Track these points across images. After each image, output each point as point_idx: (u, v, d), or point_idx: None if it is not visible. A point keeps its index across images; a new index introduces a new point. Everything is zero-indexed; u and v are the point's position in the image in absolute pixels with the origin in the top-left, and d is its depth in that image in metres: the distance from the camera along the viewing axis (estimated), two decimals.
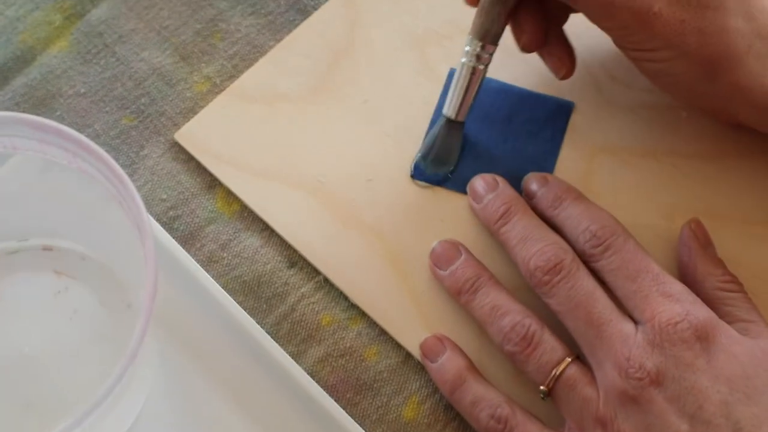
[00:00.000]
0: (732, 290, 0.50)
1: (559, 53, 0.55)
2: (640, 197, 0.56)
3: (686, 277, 0.52)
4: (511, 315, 0.49)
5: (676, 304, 0.46)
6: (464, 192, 0.56)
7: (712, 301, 0.50)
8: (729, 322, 0.48)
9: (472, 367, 0.51)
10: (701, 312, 0.46)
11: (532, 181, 0.54)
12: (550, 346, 0.48)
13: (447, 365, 0.50)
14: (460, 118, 0.55)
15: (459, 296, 0.52)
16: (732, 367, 0.45)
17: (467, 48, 0.53)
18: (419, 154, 0.57)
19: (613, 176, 0.56)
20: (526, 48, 0.54)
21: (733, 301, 0.50)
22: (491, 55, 0.54)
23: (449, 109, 0.55)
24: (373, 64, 0.60)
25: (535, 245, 0.50)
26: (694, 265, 0.52)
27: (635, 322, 0.47)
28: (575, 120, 0.58)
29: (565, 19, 0.55)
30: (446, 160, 0.56)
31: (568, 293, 0.48)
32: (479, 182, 0.55)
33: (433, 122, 0.58)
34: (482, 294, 0.51)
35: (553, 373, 0.47)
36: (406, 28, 0.61)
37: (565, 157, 0.57)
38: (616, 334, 0.46)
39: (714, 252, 0.53)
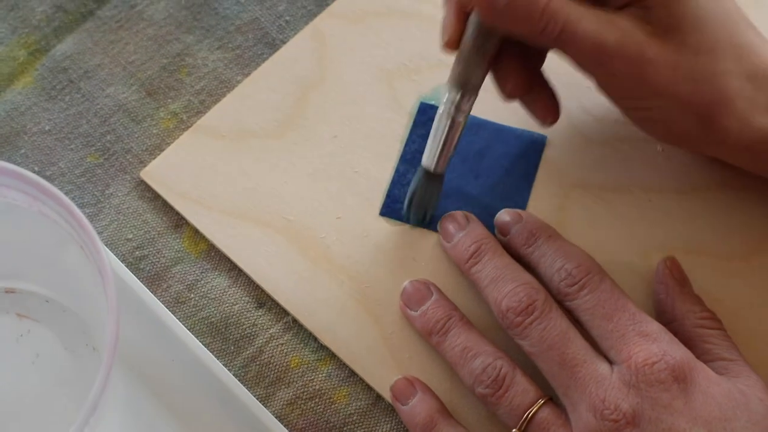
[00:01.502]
0: (711, 327, 0.50)
1: (543, 99, 0.54)
2: (615, 233, 0.55)
3: (664, 314, 0.51)
4: (483, 357, 0.49)
5: (653, 344, 0.46)
6: (436, 230, 0.55)
7: (691, 338, 0.49)
8: (709, 360, 0.48)
9: (444, 409, 0.50)
10: (678, 352, 0.46)
11: (506, 218, 0.53)
12: (522, 388, 0.47)
13: (418, 408, 0.49)
14: (440, 171, 0.53)
15: (430, 337, 0.51)
16: (710, 409, 0.44)
17: (446, 98, 0.51)
18: (401, 204, 0.56)
19: (587, 212, 0.56)
20: (512, 95, 0.52)
21: (712, 339, 0.49)
22: (471, 105, 0.51)
23: (428, 161, 0.53)
24: (341, 98, 0.60)
25: (506, 286, 0.49)
26: (672, 302, 0.51)
27: (611, 362, 0.46)
28: (548, 154, 0.58)
29: (542, 60, 0.54)
30: (426, 210, 0.55)
31: (540, 334, 0.47)
32: (449, 221, 0.54)
33: (402, 158, 0.57)
34: (453, 335, 0.50)
35: (526, 415, 0.47)
36: (375, 62, 0.61)
37: (539, 193, 0.56)
38: (591, 376, 0.46)
39: (691, 289, 0.52)
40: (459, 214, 0.54)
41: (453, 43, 0.51)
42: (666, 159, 0.57)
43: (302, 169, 0.57)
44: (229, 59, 0.62)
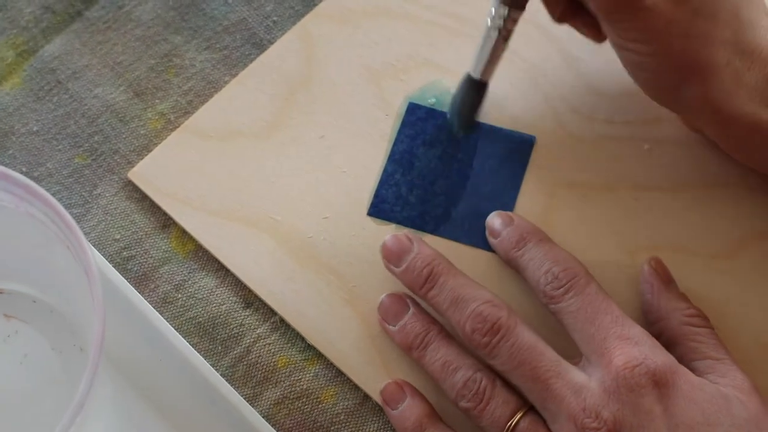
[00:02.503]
0: (698, 325, 0.50)
1: (589, 22, 0.54)
2: (602, 232, 0.55)
3: (651, 314, 0.51)
4: (463, 370, 0.48)
5: (634, 348, 0.45)
6: (422, 230, 0.55)
7: (678, 336, 0.49)
8: (696, 359, 0.47)
9: (433, 413, 0.50)
10: (660, 357, 0.45)
11: (497, 220, 0.53)
12: (502, 399, 0.47)
13: (407, 413, 0.49)
14: (486, 78, 0.56)
15: (410, 352, 0.51)
16: (692, 414, 0.44)
17: (494, 12, 0.54)
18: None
19: (574, 211, 0.56)
20: (562, 18, 0.54)
21: (700, 337, 0.49)
22: (517, 20, 0.54)
23: (475, 69, 0.56)
24: (329, 98, 0.60)
25: (468, 306, 0.48)
26: (658, 301, 0.51)
27: (591, 366, 0.46)
28: (536, 154, 0.58)
29: None
30: (472, 114, 0.57)
31: (510, 352, 0.46)
32: (394, 243, 0.53)
33: (390, 158, 0.57)
34: (432, 350, 0.50)
35: (507, 426, 0.46)
36: (362, 62, 0.61)
37: (526, 192, 0.56)
38: (567, 386, 0.45)
39: (677, 288, 0.52)
40: (402, 236, 0.53)
41: None
42: (652, 157, 0.57)
43: (290, 169, 0.57)
44: (217, 60, 0.62)
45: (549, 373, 0.45)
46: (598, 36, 0.54)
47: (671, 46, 0.48)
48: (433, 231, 0.55)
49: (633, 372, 0.44)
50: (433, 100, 0.59)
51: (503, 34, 0.54)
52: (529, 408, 0.47)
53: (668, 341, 0.49)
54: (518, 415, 0.46)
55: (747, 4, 0.49)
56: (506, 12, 0.53)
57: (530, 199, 0.56)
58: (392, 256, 0.52)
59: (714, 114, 0.50)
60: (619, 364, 0.44)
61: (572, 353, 0.48)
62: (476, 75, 0.56)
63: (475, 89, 0.57)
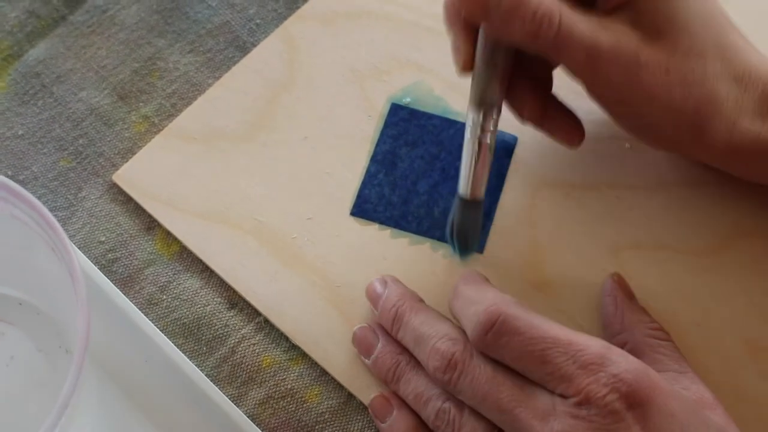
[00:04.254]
0: (662, 338, 0.50)
1: (562, 122, 0.54)
2: (585, 231, 0.56)
3: (613, 326, 0.51)
4: (432, 401, 0.48)
5: (600, 373, 0.42)
6: (405, 229, 0.56)
7: (642, 348, 0.49)
8: (660, 371, 0.46)
9: (421, 425, 0.49)
10: (629, 373, 0.42)
11: (377, 287, 0.53)
12: (470, 427, 0.46)
13: (396, 427, 0.49)
14: (478, 197, 0.53)
15: (387, 385, 0.51)
16: (671, 428, 0.42)
17: (469, 120, 0.51)
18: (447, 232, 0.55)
19: (557, 210, 0.56)
20: (531, 118, 0.53)
21: (663, 350, 0.49)
22: (495, 124, 0.51)
23: (463, 189, 0.52)
24: (312, 100, 0.60)
25: (427, 344, 0.48)
26: (622, 313, 0.51)
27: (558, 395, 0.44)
28: (519, 153, 0.58)
29: (550, 83, 0.54)
30: (468, 238, 0.54)
31: (470, 386, 0.45)
32: (370, 289, 0.53)
33: (373, 159, 0.58)
34: (404, 383, 0.50)
35: None
36: (345, 64, 0.61)
37: (509, 192, 0.57)
38: (532, 415, 0.43)
39: (638, 303, 0.52)
40: (377, 280, 0.53)
41: (467, 64, 0.51)
42: (634, 156, 0.58)
43: (273, 170, 0.58)
44: (200, 63, 0.62)
45: (513, 403, 0.44)
46: (572, 139, 0.54)
47: (673, 97, 0.48)
48: (416, 230, 0.56)
49: (605, 400, 0.42)
50: (408, 99, 0.60)
51: (485, 144, 0.51)
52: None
53: (631, 353, 0.47)
54: None
55: (726, 31, 0.49)
56: (482, 117, 0.51)
57: (513, 198, 0.57)
58: (373, 301, 0.53)
59: (724, 147, 0.49)
60: (590, 396, 0.42)
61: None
62: (466, 194, 0.53)
63: (469, 209, 0.53)
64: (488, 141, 0.51)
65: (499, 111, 0.51)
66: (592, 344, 0.44)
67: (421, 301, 0.52)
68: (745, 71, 0.49)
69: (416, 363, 0.50)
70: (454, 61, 0.51)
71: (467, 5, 0.48)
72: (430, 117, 0.59)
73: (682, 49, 0.48)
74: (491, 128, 0.51)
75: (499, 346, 0.45)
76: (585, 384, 0.42)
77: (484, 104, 0.51)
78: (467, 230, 0.54)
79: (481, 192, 0.53)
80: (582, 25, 0.47)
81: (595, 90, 0.50)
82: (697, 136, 0.49)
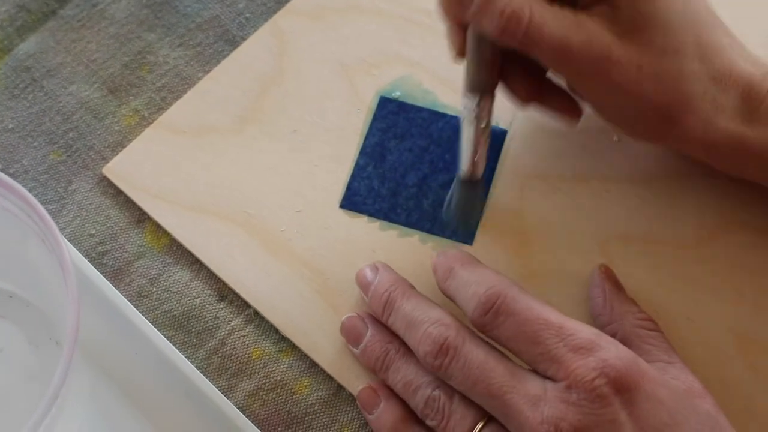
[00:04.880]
0: (650, 328, 0.50)
1: (559, 101, 0.54)
2: (574, 224, 0.56)
3: (602, 317, 0.51)
4: (422, 389, 0.48)
5: (589, 357, 0.43)
6: (394, 221, 0.56)
7: (631, 338, 0.49)
8: (649, 361, 0.46)
9: (407, 416, 0.49)
10: (619, 360, 0.43)
11: (367, 274, 0.54)
12: (459, 414, 0.46)
13: (383, 418, 0.50)
14: (476, 177, 0.54)
15: (376, 374, 0.51)
16: (659, 415, 0.43)
17: (463, 106, 0.52)
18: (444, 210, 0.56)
19: (546, 202, 0.56)
20: (527, 99, 0.53)
21: (652, 340, 0.49)
22: (489, 108, 0.52)
23: (462, 169, 0.54)
24: (302, 93, 0.60)
25: (419, 329, 0.48)
26: (611, 304, 0.51)
27: (548, 377, 0.44)
28: (508, 146, 0.58)
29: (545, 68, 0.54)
30: (469, 217, 0.55)
31: (462, 371, 0.45)
32: (360, 275, 0.53)
33: (362, 151, 0.58)
34: (393, 371, 0.50)
35: None
36: (334, 57, 0.61)
37: (499, 185, 0.57)
38: (523, 400, 0.43)
39: (626, 293, 0.53)
40: (368, 267, 0.53)
41: (460, 51, 0.52)
42: (622, 149, 0.58)
43: (262, 163, 0.58)
44: (190, 56, 0.62)
45: (504, 388, 0.44)
46: (571, 113, 0.54)
47: (645, 91, 0.48)
48: (405, 223, 0.56)
49: (593, 384, 0.42)
50: (398, 93, 0.60)
51: (481, 125, 0.52)
52: (489, 419, 0.46)
53: (621, 343, 0.47)
54: (477, 427, 0.46)
55: (708, 29, 0.50)
56: (476, 102, 0.52)
57: (502, 191, 0.57)
58: (363, 288, 0.53)
59: (700, 142, 0.50)
60: (578, 379, 0.42)
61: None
62: (466, 174, 0.54)
63: (468, 190, 0.55)
64: (483, 125, 0.52)
65: (493, 97, 0.52)
66: (584, 329, 0.45)
67: (412, 287, 0.52)
68: (725, 71, 0.49)
69: (405, 351, 0.50)
70: (450, 50, 0.53)
71: (445, 1, 0.50)
72: (419, 110, 0.59)
73: (657, 46, 0.48)
74: (486, 112, 0.52)
75: (495, 326, 0.46)
76: (574, 367, 0.43)
77: (477, 89, 0.51)
78: (469, 209, 0.55)
79: (480, 172, 0.54)
80: (553, 22, 0.47)
81: (569, 82, 0.51)
82: (670, 130, 0.50)
